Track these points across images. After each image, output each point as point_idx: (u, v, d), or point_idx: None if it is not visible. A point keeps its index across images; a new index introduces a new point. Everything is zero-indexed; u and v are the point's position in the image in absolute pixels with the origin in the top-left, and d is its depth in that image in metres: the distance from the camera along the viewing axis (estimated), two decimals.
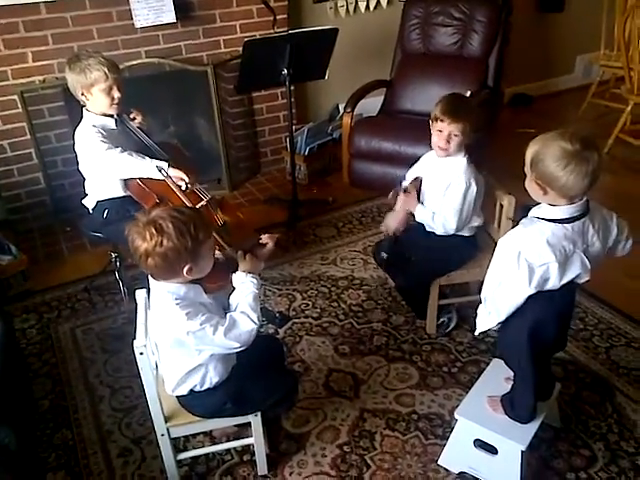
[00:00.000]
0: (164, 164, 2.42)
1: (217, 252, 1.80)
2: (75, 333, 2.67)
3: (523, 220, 1.68)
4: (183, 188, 2.44)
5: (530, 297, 1.64)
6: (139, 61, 3.38)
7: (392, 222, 2.42)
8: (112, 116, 2.48)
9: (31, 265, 3.02)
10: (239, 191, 3.86)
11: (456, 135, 2.24)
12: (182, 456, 1.96)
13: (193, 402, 1.79)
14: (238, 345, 1.63)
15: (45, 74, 3.21)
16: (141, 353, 1.65)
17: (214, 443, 2.08)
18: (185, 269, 1.57)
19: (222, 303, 1.75)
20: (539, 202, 1.66)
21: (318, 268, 3.04)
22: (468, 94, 3.36)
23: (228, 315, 1.65)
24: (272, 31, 3.58)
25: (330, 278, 2.96)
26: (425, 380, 2.32)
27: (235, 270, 1.77)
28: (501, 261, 1.67)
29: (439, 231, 2.36)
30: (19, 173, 3.38)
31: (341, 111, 3.82)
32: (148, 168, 2.40)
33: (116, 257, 2.70)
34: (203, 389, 1.77)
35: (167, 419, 1.80)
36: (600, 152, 1.56)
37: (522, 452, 1.81)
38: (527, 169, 1.62)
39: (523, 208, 1.73)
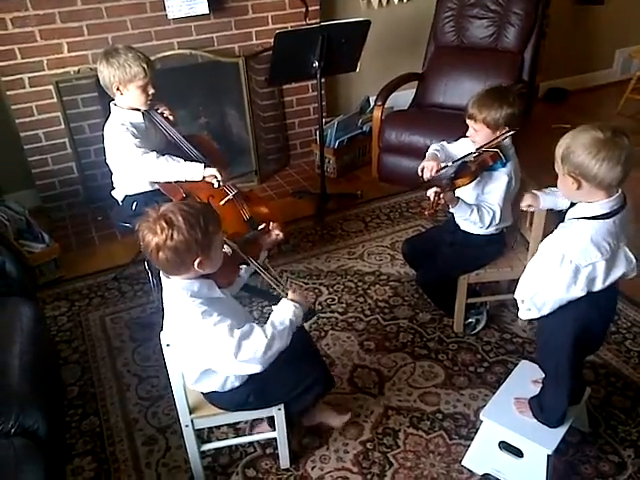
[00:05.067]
0: (200, 167, 2.41)
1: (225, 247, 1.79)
2: (105, 321, 2.71)
3: (560, 225, 1.64)
4: (215, 186, 2.44)
5: (577, 298, 1.60)
6: (171, 52, 3.39)
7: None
8: (139, 110, 2.47)
9: (63, 253, 3.07)
10: (268, 183, 3.86)
11: (476, 130, 2.21)
12: (206, 447, 1.98)
13: (215, 396, 1.80)
14: (250, 355, 1.58)
15: (80, 65, 3.25)
16: (168, 345, 1.67)
17: (238, 435, 2.10)
18: (196, 262, 1.57)
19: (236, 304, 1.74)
20: (573, 204, 1.62)
21: (345, 262, 3.03)
22: None
23: (249, 324, 1.64)
24: (304, 23, 3.57)
25: (357, 273, 2.94)
26: (451, 379, 2.30)
27: (241, 263, 1.76)
28: (544, 265, 1.61)
29: (477, 225, 2.26)
30: (53, 162, 3.44)
31: (372, 104, 3.79)
32: (184, 172, 2.41)
33: None
34: (225, 391, 1.78)
35: (192, 410, 1.82)
36: (630, 139, 1.49)
37: (548, 456, 1.78)
38: (558, 166, 1.57)
39: (558, 214, 1.69)
